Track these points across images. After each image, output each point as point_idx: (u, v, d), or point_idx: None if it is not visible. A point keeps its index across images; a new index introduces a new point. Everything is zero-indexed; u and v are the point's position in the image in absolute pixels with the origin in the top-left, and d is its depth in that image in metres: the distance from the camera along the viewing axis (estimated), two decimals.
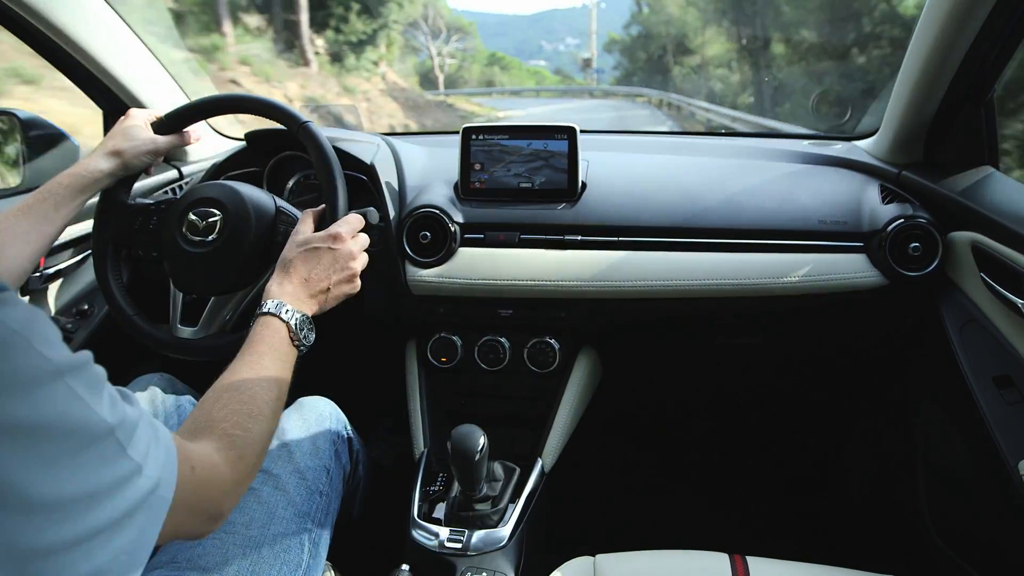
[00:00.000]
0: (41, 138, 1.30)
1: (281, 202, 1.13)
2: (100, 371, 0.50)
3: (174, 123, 1.11)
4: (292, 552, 0.89)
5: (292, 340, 0.87)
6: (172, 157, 1.52)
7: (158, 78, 1.41)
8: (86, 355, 0.48)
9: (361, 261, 1.01)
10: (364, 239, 1.03)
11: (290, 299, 0.90)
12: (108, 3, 1.27)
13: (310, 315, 0.91)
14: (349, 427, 1.17)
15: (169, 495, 0.54)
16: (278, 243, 1.06)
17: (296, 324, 0.87)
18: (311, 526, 0.94)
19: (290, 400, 1.13)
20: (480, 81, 42.24)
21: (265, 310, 0.88)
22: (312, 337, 0.91)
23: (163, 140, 1.08)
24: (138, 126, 1.08)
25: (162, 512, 0.53)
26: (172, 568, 0.82)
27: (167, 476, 0.54)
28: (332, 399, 1.18)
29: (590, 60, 45.94)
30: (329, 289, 0.95)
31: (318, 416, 1.10)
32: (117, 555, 0.48)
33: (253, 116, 1.12)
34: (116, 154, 1.04)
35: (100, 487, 0.47)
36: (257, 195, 1.10)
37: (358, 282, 1.00)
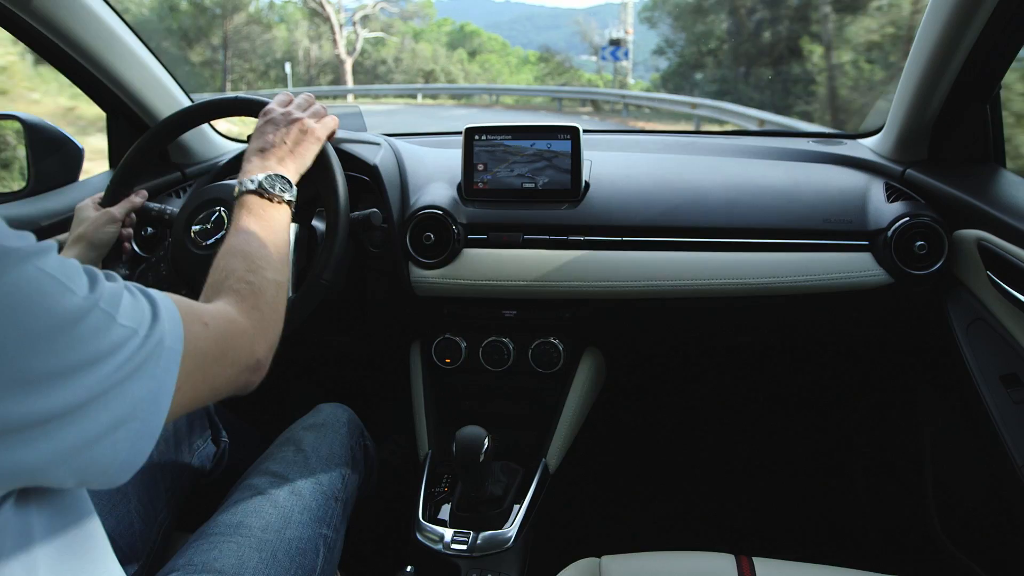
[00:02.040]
0: (46, 141, 1.31)
1: None
2: (71, 259, 0.52)
3: (117, 188, 1.13)
4: (307, 557, 0.89)
5: (269, 200, 0.89)
6: (177, 159, 1.52)
7: (158, 78, 1.41)
8: (51, 243, 0.51)
9: (307, 110, 1.03)
10: (303, 99, 1.05)
11: (253, 172, 0.92)
12: (108, 4, 1.27)
13: (283, 174, 0.93)
14: (366, 434, 1.17)
15: (178, 347, 0.57)
16: None
17: (263, 185, 0.89)
18: (326, 531, 0.94)
19: (308, 407, 1.14)
20: (416, 72, 25.80)
21: (233, 195, 0.90)
22: (291, 188, 0.92)
23: (115, 208, 1.10)
24: (86, 208, 1.10)
25: (174, 362, 0.56)
26: (188, 571, 0.82)
27: (171, 329, 0.57)
28: (343, 403, 1.18)
29: (621, 41, 21.40)
30: (286, 143, 0.97)
31: (335, 423, 1.11)
32: (137, 403, 0.52)
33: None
34: (79, 239, 1.06)
35: (99, 353, 0.50)
36: None
37: (314, 123, 1.01)
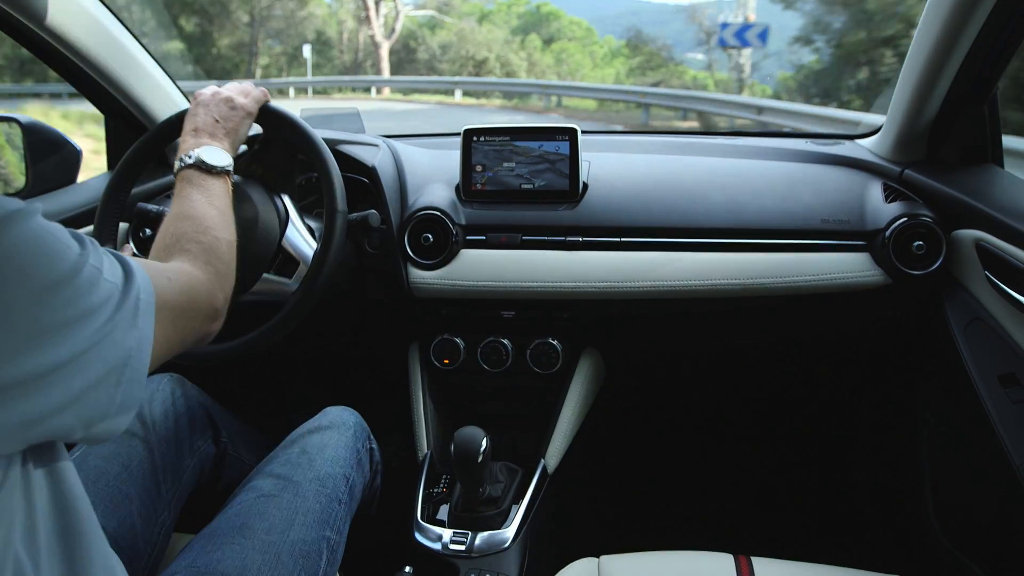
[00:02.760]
0: (43, 143, 1.31)
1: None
2: (54, 222, 0.56)
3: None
4: (311, 559, 0.89)
5: (208, 172, 0.94)
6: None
7: (156, 80, 1.41)
8: (38, 204, 0.54)
9: (236, 91, 1.07)
10: (233, 84, 1.09)
11: (189, 149, 0.96)
12: (105, 6, 1.27)
13: (217, 147, 0.98)
14: (372, 437, 1.17)
15: (151, 299, 0.63)
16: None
17: (200, 158, 0.94)
18: (330, 533, 0.94)
19: (307, 408, 1.14)
20: (466, 62, 19.68)
21: (172, 172, 0.96)
22: (224, 157, 0.97)
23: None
24: None
25: (150, 313, 0.62)
26: (191, 573, 0.82)
27: (143, 285, 0.62)
28: (341, 403, 1.18)
29: (747, 28, 11.88)
30: (217, 120, 1.02)
31: (341, 425, 1.11)
32: (128, 351, 0.58)
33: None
34: None
35: (93, 305, 0.55)
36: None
37: (242, 99, 1.06)
